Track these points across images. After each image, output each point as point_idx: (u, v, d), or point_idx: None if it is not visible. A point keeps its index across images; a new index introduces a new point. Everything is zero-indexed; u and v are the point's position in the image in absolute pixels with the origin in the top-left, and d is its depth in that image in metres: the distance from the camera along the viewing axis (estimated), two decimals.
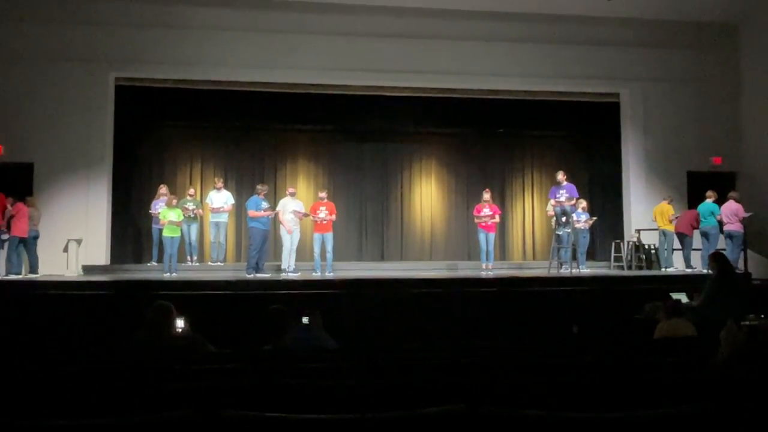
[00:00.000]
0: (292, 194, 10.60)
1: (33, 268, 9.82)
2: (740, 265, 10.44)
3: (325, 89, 12.16)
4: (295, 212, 10.33)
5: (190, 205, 11.02)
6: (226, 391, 2.67)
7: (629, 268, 11.69)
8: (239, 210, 12.01)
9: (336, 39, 11.67)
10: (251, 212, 10.08)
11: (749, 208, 10.74)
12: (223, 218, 11.36)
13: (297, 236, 10.43)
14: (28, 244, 9.78)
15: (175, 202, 10.52)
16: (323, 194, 10.73)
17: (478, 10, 11.99)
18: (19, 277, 9.46)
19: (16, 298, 8.11)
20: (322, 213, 10.41)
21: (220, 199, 11.35)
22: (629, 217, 12.42)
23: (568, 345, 4.94)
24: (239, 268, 10.72)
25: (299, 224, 10.48)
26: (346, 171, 13.90)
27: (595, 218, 11.92)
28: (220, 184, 11.49)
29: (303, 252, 11.24)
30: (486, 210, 11.17)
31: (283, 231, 10.35)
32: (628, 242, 12.03)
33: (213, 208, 11.26)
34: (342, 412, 2.04)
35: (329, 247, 10.43)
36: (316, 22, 11.67)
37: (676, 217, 11.06)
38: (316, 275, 10.27)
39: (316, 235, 10.51)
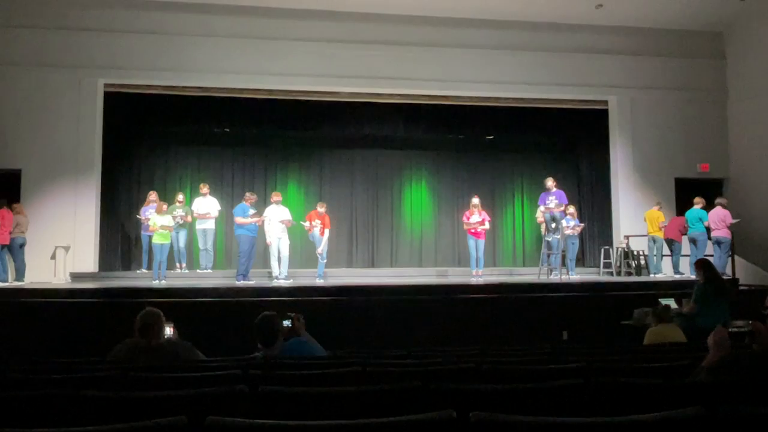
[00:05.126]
0: (277, 202, 10.58)
1: (19, 275, 9.73)
2: (728, 270, 10.52)
3: (315, 96, 12.16)
4: (282, 222, 10.36)
5: (179, 212, 10.97)
6: (214, 399, 2.65)
7: (618, 274, 11.76)
8: (228, 217, 11.97)
9: (325, 46, 11.69)
10: (238, 219, 10.08)
11: (736, 215, 10.85)
12: (210, 225, 11.28)
13: (286, 243, 10.42)
14: (15, 250, 9.69)
15: (165, 208, 10.47)
16: (322, 209, 10.76)
17: (468, 18, 12.07)
18: (5, 284, 9.37)
19: (1, 306, 8.01)
20: (316, 228, 10.62)
21: (206, 205, 11.30)
22: (618, 223, 12.49)
23: (557, 351, 4.94)
24: (228, 275, 10.69)
25: (287, 231, 10.48)
26: (336, 177, 13.91)
27: (583, 224, 11.98)
28: (205, 190, 11.43)
29: (294, 259, 11.21)
30: (475, 216, 11.18)
31: (269, 239, 10.36)
32: (617, 248, 12.10)
33: (198, 215, 11.21)
34: (332, 419, 2.03)
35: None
36: (306, 29, 11.69)
37: (665, 226, 11.13)
38: (322, 281, 10.32)
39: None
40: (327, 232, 10.68)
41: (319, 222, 10.63)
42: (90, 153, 11.12)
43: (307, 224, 10.74)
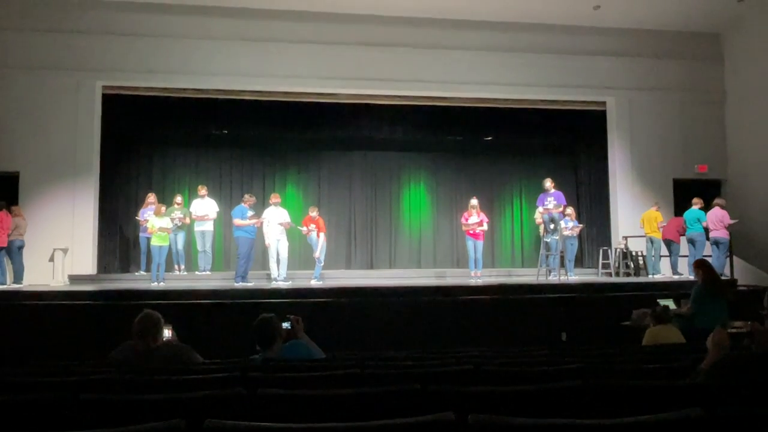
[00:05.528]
0: (276, 204, 10.59)
1: (18, 278, 9.71)
2: (726, 271, 10.53)
3: (314, 98, 12.16)
4: (281, 224, 10.38)
5: (177, 214, 10.96)
6: (213, 402, 2.65)
7: (617, 274, 11.77)
8: (227, 219, 11.96)
9: (324, 48, 11.70)
10: (236, 221, 10.08)
11: (734, 215, 10.86)
12: (208, 227, 11.27)
13: (285, 245, 10.43)
14: (13, 253, 9.67)
15: (163, 210, 10.46)
16: (314, 213, 10.81)
17: (466, 20, 12.09)
18: (4, 287, 9.36)
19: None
20: (313, 232, 10.68)
21: (204, 207, 11.28)
22: (616, 224, 12.50)
23: (556, 352, 4.94)
24: (227, 277, 10.68)
25: (285, 233, 10.49)
26: (334, 179, 13.92)
27: (582, 225, 11.98)
28: (203, 192, 11.41)
29: (292, 261, 11.22)
30: (474, 217, 11.19)
31: (268, 240, 10.37)
32: (616, 249, 12.11)
33: (196, 216, 11.20)
34: (330, 421, 2.03)
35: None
36: (304, 31, 11.69)
37: (664, 225, 11.15)
38: (318, 283, 10.32)
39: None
40: (322, 235, 10.69)
41: (314, 226, 10.65)
42: (88, 155, 11.11)
43: (304, 229, 10.78)
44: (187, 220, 11.18)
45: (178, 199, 11.36)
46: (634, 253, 12.06)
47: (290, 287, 9.64)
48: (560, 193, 10.85)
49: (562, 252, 10.85)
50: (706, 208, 10.83)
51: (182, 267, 11.32)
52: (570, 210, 11.58)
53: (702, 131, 12.72)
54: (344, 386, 2.95)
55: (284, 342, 4.33)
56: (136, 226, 11.76)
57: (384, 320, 8.26)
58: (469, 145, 14.10)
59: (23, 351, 6.92)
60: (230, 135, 13.13)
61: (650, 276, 11.14)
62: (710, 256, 10.31)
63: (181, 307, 7.97)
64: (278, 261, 10.38)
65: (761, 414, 2.06)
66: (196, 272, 11.28)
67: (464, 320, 8.46)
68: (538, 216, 11.48)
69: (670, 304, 7.42)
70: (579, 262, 12.65)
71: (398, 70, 11.86)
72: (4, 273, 9.65)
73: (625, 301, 8.51)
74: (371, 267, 13.66)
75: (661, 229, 11.13)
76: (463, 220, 11.40)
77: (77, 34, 11.05)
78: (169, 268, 10.76)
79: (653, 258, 11.16)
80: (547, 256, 10.91)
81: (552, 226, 10.72)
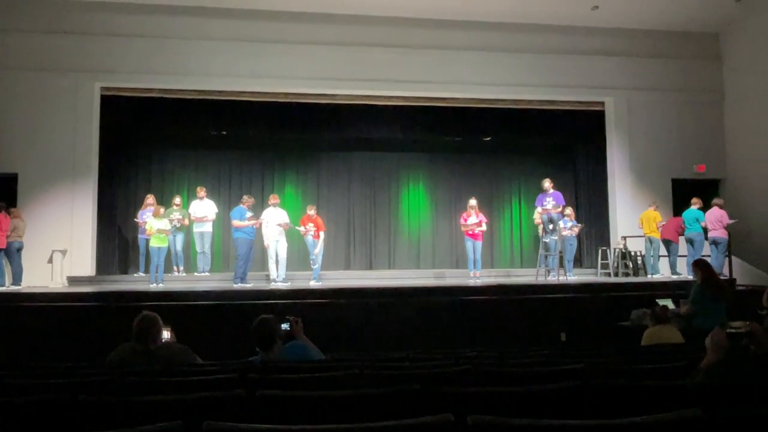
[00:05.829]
0: (275, 205, 10.58)
1: (16, 280, 9.70)
2: (725, 271, 10.54)
3: (313, 98, 12.16)
4: (280, 225, 10.37)
5: (176, 215, 10.95)
6: (212, 403, 2.65)
7: (616, 274, 11.77)
8: (225, 220, 11.95)
9: (323, 49, 11.71)
10: (235, 222, 10.07)
11: (733, 215, 10.87)
12: (207, 228, 11.27)
13: (284, 245, 10.42)
14: (12, 255, 9.66)
15: (162, 211, 10.45)
16: (312, 211, 10.79)
17: (465, 20, 12.11)
18: (3, 288, 9.34)
19: None
20: (312, 231, 10.63)
21: (203, 208, 11.28)
22: (615, 224, 12.51)
23: (555, 352, 4.94)
24: (226, 279, 10.68)
25: (284, 234, 10.48)
26: (333, 180, 13.92)
27: (581, 225, 11.99)
28: (202, 194, 11.40)
29: (291, 261, 11.22)
30: (473, 218, 11.18)
31: (267, 241, 10.37)
32: (615, 249, 12.12)
33: (195, 218, 11.19)
34: (329, 423, 2.03)
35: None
36: (303, 32, 11.70)
37: (663, 225, 11.16)
38: (316, 284, 10.31)
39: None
40: (322, 234, 10.67)
41: (312, 225, 10.63)
42: (87, 156, 11.11)
43: (302, 229, 10.73)
44: (186, 222, 11.17)
45: (177, 200, 11.35)
46: (633, 253, 12.06)
47: (289, 288, 9.63)
48: (559, 194, 10.85)
49: (561, 252, 10.85)
50: (705, 207, 10.84)
51: (181, 268, 11.32)
52: (569, 210, 11.57)
53: (700, 131, 12.74)
54: (343, 387, 2.95)
55: (283, 343, 4.33)
56: (134, 227, 11.76)
57: (383, 321, 8.26)
58: (468, 146, 14.09)
59: (22, 353, 6.92)
60: (229, 136, 13.10)
61: (649, 276, 11.14)
62: (709, 255, 10.32)
63: (180, 308, 7.97)
64: (277, 262, 10.37)
65: (760, 414, 2.06)
66: (195, 273, 11.27)
67: (463, 321, 8.46)
68: (537, 216, 11.48)
69: (669, 304, 7.42)
70: (578, 262, 12.66)
71: (397, 71, 11.87)
72: (3, 275, 9.64)
73: (624, 301, 8.50)
74: (370, 268, 13.66)
75: (660, 229, 11.14)
76: (462, 221, 11.39)
77: (76, 35, 11.05)
78: (168, 269, 10.76)
79: (652, 258, 11.16)
80: (546, 257, 10.91)
81: (551, 226, 10.73)
